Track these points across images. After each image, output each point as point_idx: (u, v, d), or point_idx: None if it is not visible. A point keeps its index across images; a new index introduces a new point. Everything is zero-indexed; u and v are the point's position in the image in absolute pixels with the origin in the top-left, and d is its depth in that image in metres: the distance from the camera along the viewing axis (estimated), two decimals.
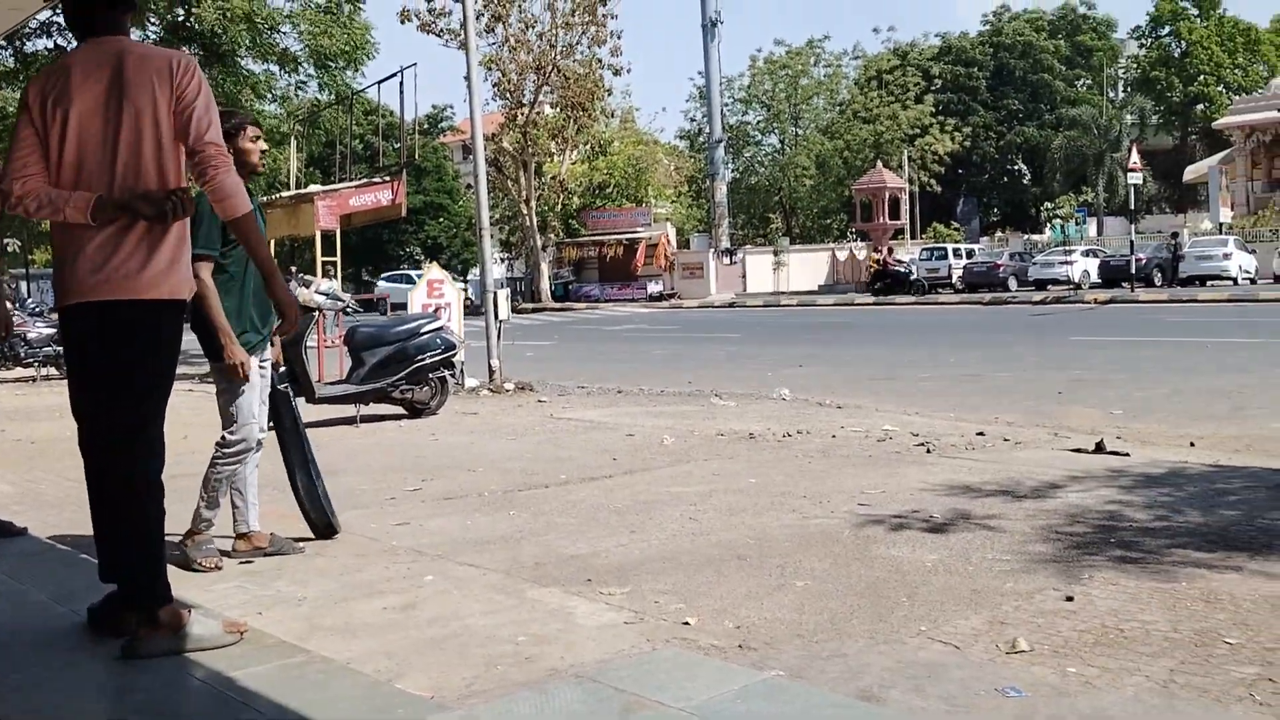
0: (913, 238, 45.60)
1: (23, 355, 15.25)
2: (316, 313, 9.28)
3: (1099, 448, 6.53)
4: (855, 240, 44.33)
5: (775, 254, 42.25)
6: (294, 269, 10.97)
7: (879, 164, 43.36)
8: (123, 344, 3.13)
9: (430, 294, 11.97)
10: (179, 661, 3.11)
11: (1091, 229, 42.33)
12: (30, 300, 26.83)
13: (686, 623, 3.53)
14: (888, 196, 39.49)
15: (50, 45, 17.20)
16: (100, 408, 3.19)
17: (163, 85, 3.15)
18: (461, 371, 11.24)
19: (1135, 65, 57.68)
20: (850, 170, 49.97)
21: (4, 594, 3.89)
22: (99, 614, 3.39)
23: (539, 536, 4.81)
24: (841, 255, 41.25)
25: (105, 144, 3.11)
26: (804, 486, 5.76)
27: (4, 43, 15.99)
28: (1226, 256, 30.71)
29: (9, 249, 37.89)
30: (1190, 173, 48.07)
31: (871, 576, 4.00)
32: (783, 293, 37.95)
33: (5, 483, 6.39)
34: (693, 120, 56.66)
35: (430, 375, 9.39)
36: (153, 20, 16.87)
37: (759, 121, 56.08)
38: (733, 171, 52.19)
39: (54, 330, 15.37)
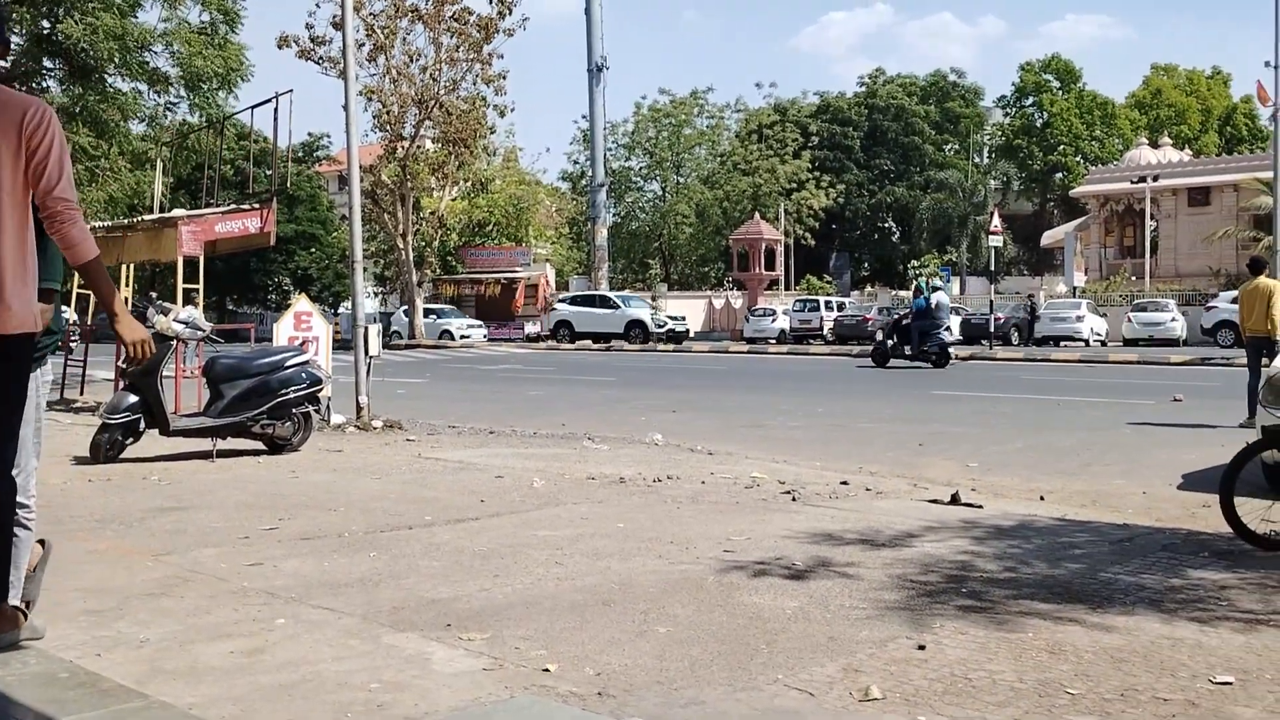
0: (787, 289, 46.74)
1: None
2: (174, 341, 8.95)
3: (954, 499, 6.76)
4: (732, 289, 45.17)
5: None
6: (153, 294, 10.55)
7: (757, 215, 44.41)
8: None
9: (298, 326, 11.67)
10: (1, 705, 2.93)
11: (955, 288, 44.11)
12: None
13: (546, 669, 3.48)
14: (764, 247, 40.42)
15: None
16: None
17: (12, 134, 3.19)
18: (328, 407, 10.95)
19: (1000, 133, 60.87)
20: (729, 220, 51.07)
21: None
22: None
23: (399, 579, 4.69)
24: (718, 303, 41.93)
25: None
26: (671, 532, 5.78)
27: None
28: (1079, 319, 32.37)
29: None
30: (1048, 238, 50.78)
31: (733, 623, 4.02)
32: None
33: None
34: (576, 163, 57.22)
35: (294, 410, 9.11)
36: (17, 31, 16.16)
37: (641, 168, 56.90)
38: (614, 216, 52.72)
39: None
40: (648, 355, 31.07)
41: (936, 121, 60.50)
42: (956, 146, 61.02)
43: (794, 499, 6.92)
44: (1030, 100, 60.58)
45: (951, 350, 23.28)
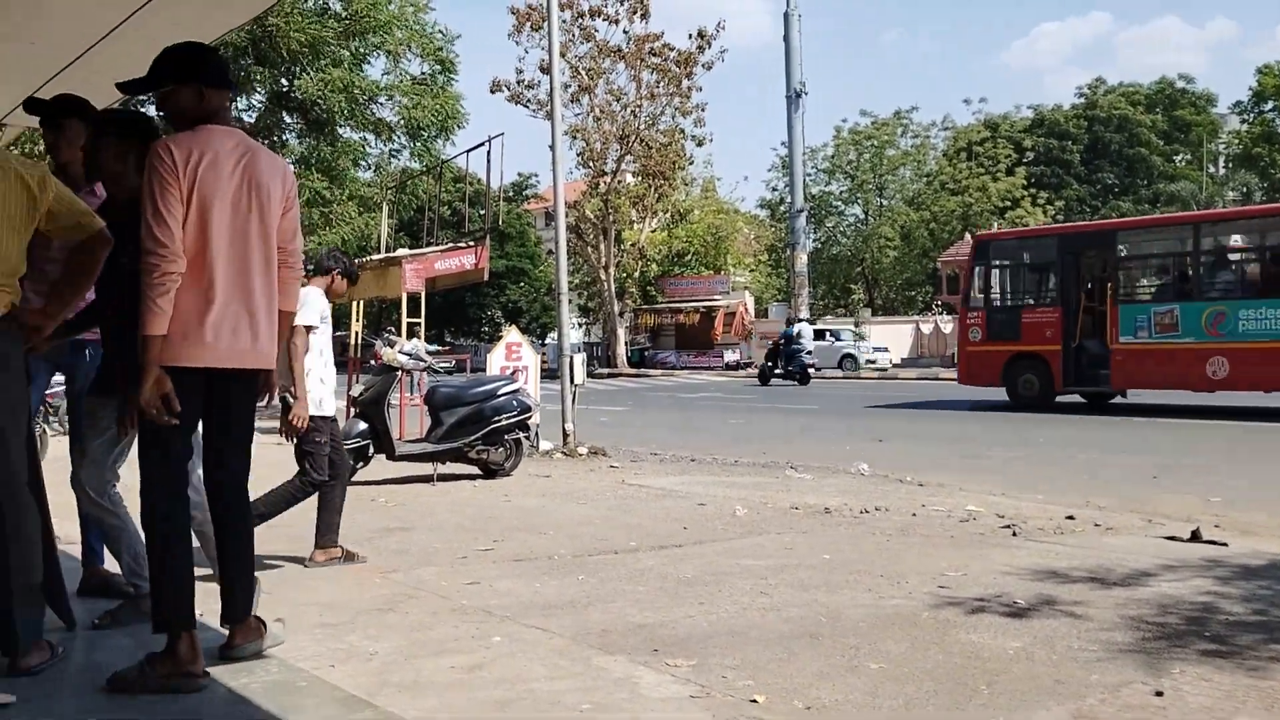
0: None
1: None
2: (399, 371, 9.45)
3: (1195, 536, 6.26)
4: (941, 313, 43.81)
5: (856, 325, 41.96)
6: (389, 330, 11.22)
7: (967, 236, 42.97)
8: None
9: (509, 356, 12.11)
10: (246, 709, 3.15)
11: None
12: None
13: (754, 700, 3.44)
14: None
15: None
16: None
17: (278, 186, 3.55)
18: (536, 434, 11.30)
19: (1237, 141, 56.58)
20: (936, 242, 49.62)
21: (90, 637, 3.96)
22: None
23: (606, 603, 4.76)
24: (926, 328, 40.75)
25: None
26: (881, 565, 5.63)
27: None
28: None
29: None
30: None
31: (950, 662, 3.87)
32: (866, 365, 37.55)
33: None
34: (774, 189, 57.10)
35: (506, 437, 9.46)
36: (258, 90, 17.60)
37: (842, 192, 56.21)
38: (814, 241, 52.27)
39: None
40: (851, 383, 30.53)
41: (1164, 131, 56.92)
42: (1188, 157, 57.20)
43: (1014, 533, 6.59)
44: (1270, 105, 56.16)
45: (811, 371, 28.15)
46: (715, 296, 44.73)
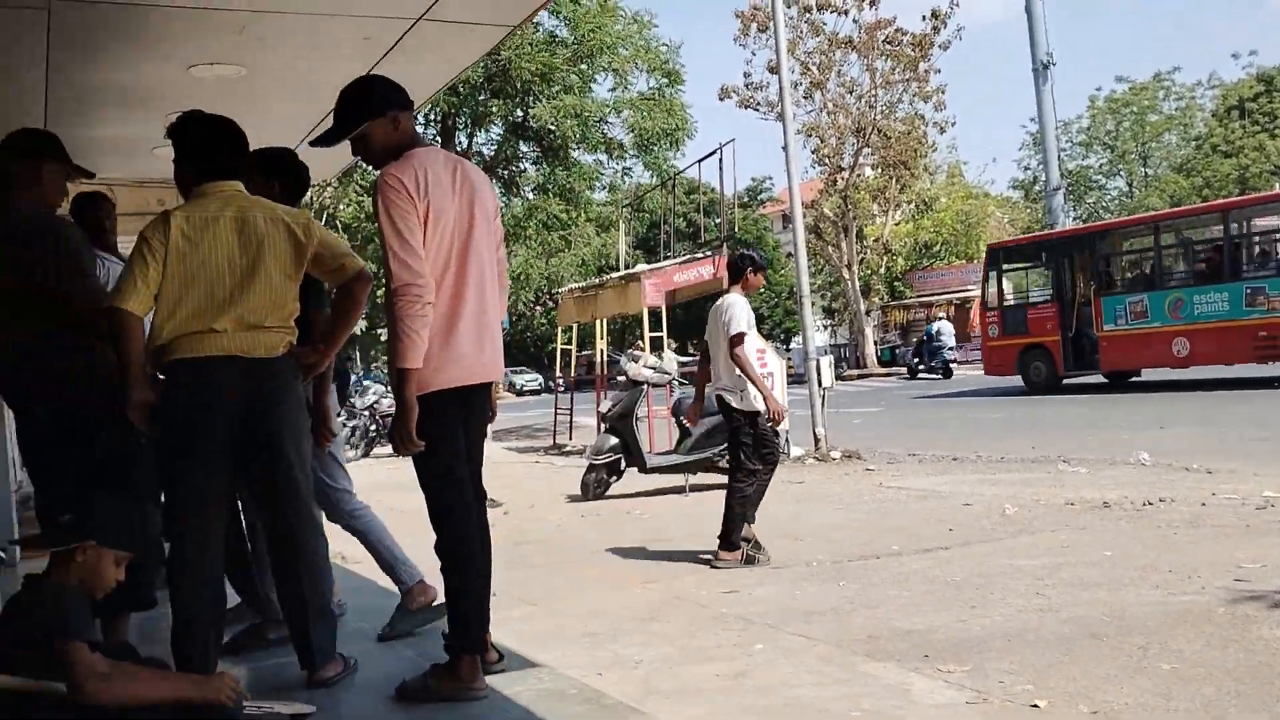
0: None
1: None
2: (645, 385, 9.67)
3: None
4: None
5: None
6: (640, 344, 11.57)
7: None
8: None
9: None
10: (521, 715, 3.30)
11: None
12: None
13: (1035, 705, 3.28)
14: None
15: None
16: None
17: (490, 201, 3.65)
18: (787, 440, 11.23)
19: None
20: None
21: (376, 651, 4.27)
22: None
23: (870, 609, 4.67)
24: None
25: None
26: (1168, 559, 5.23)
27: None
28: None
29: (381, 337, 42.25)
30: None
31: (1253, 660, 3.54)
32: None
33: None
34: (1026, 169, 54.21)
35: None
36: (496, 123, 18.51)
37: (1102, 164, 52.74)
38: (1075, 219, 49.25)
39: None
40: None
41: None
42: None
43: None
44: None
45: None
46: (969, 287, 42.93)
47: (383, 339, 46.69)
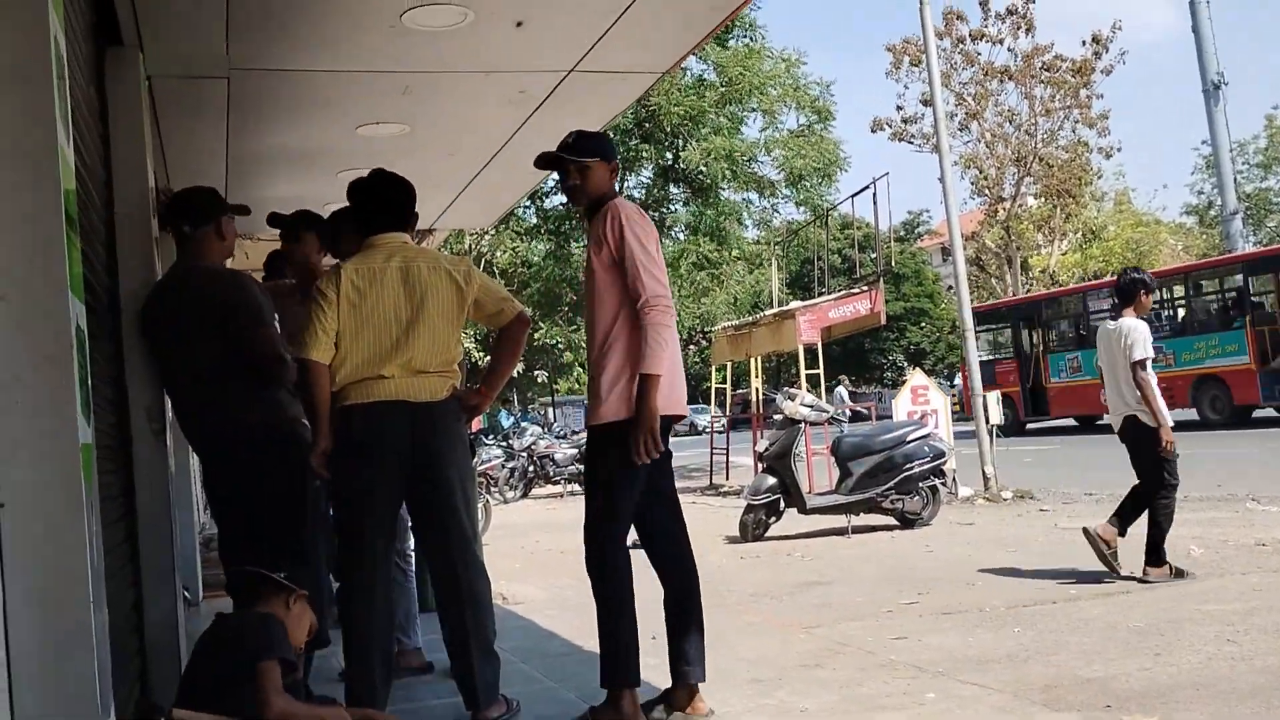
0: None
1: (551, 474, 17.37)
2: (803, 424, 9.55)
3: None
4: None
5: None
6: (798, 386, 11.50)
7: None
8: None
9: (915, 400, 11.84)
10: None
11: None
12: (556, 424, 30.43)
13: None
14: None
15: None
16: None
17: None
18: (954, 480, 10.89)
19: None
20: None
21: (538, 691, 4.32)
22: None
23: (1047, 656, 4.45)
24: None
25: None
26: None
27: (527, 202, 18.56)
28: None
29: (538, 379, 43.15)
30: None
31: None
32: None
33: (538, 589, 7.18)
34: (1200, 193, 51.39)
35: (920, 484, 9.19)
36: (646, 167, 18.77)
37: None
38: (1255, 244, 46.39)
39: (577, 451, 17.28)
40: None
41: None
42: None
43: None
44: None
45: None
46: None
47: (539, 381, 47.75)
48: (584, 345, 23.92)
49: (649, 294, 3.47)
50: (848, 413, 23.24)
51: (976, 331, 22.75)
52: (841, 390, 25.88)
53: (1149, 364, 6.02)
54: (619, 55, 5.03)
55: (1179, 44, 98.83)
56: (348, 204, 3.89)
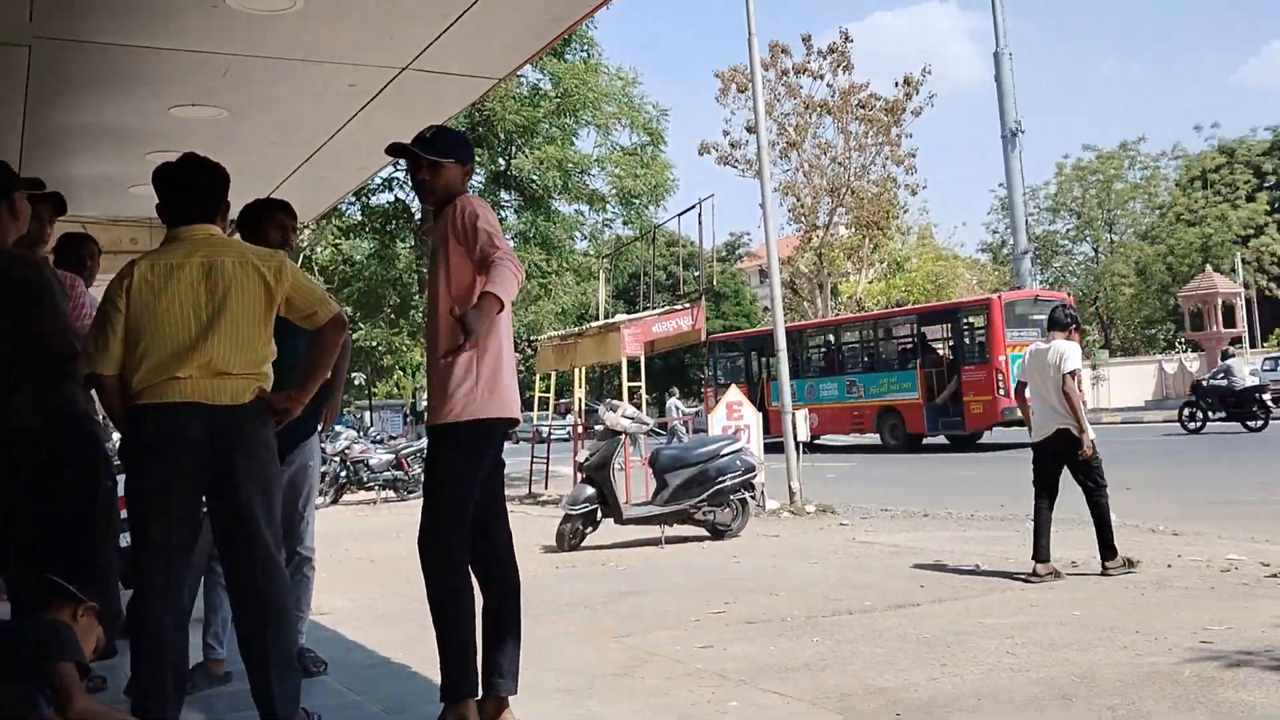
0: (1253, 346, 41.48)
1: (365, 480, 16.78)
2: (623, 436, 9.66)
3: None
4: (1185, 351, 40.82)
5: (1093, 368, 39.66)
6: (624, 395, 11.62)
7: (1208, 268, 40.02)
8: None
9: (730, 416, 12.15)
10: None
11: None
12: (372, 429, 29.64)
13: None
14: (1220, 303, 36.22)
15: (391, 198, 19.32)
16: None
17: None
18: (762, 493, 11.24)
19: None
20: (1175, 276, 46.45)
21: (342, 705, 4.21)
22: None
23: (844, 665, 4.65)
24: (1170, 368, 38.06)
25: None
26: (1136, 620, 5.26)
27: (352, 198, 18.09)
28: None
29: (355, 382, 42.02)
30: None
31: None
32: (1103, 409, 35.36)
33: (345, 599, 6.98)
34: (995, 232, 54.97)
35: (732, 497, 9.46)
36: (478, 172, 18.63)
37: (1069, 230, 53.60)
38: (1041, 283, 49.86)
39: (392, 456, 16.85)
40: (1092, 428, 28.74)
41: None
42: None
43: None
44: None
45: None
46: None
47: (356, 384, 46.39)
48: (405, 348, 23.43)
49: (502, 251, 3.41)
50: (681, 425, 23.78)
51: (718, 358, 27.16)
52: (676, 403, 26.41)
53: (1079, 375, 6.79)
54: (455, 57, 4.99)
55: (982, 92, 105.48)
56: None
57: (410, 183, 3.88)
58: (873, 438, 24.01)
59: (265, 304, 3.46)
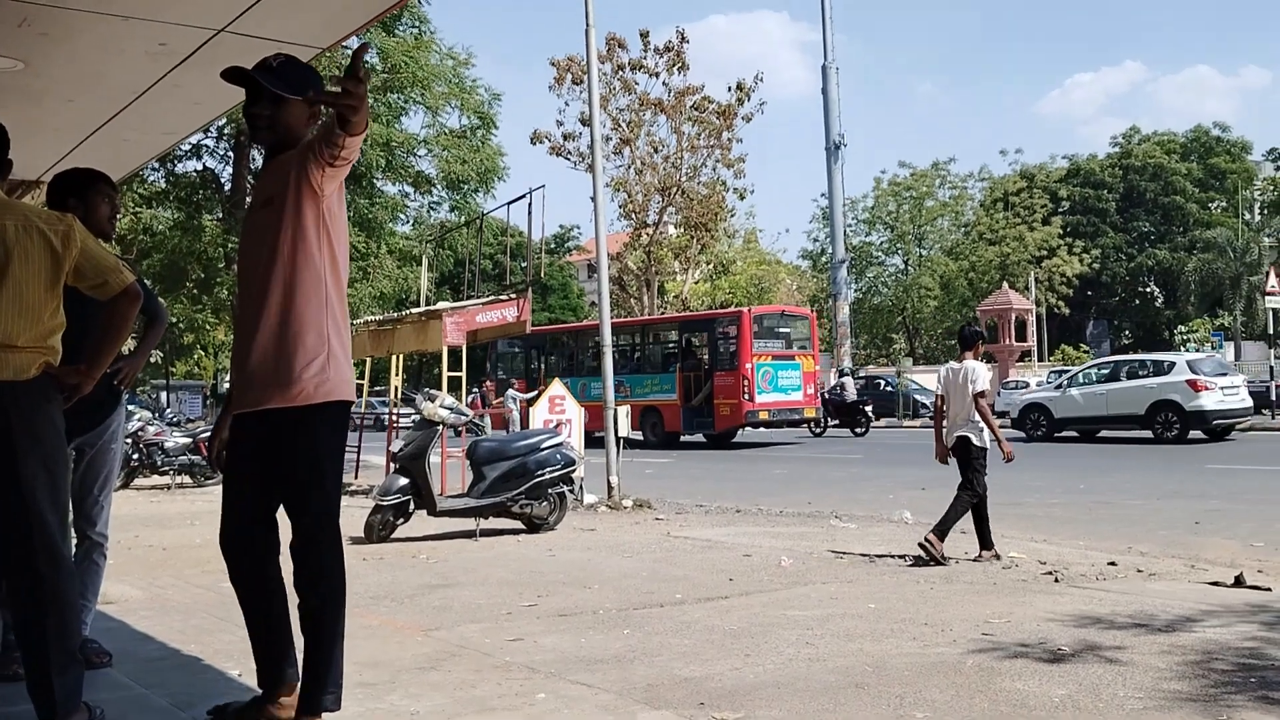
0: (1040, 360, 44.53)
1: (159, 464, 15.80)
2: (440, 426, 9.51)
3: (1238, 581, 6.19)
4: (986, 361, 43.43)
5: (898, 374, 41.70)
6: (444, 385, 11.37)
7: (1005, 285, 42.78)
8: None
9: (552, 409, 12.16)
10: None
11: (1229, 354, 40.61)
12: (169, 410, 28.16)
13: None
14: (1014, 318, 38.78)
15: (199, 167, 18.41)
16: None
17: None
18: (581, 488, 11.29)
19: (1273, 187, 55.88)
20: (975, 292, 49.45)
21: (128, 699, 4.00)
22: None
23: (652, 657, 4.73)
24: None
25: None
26: (925, 613, 5.56)
27: (156, 165, 17.15)
28: None
29: (151, 359, 39.86)
30: None
31: (995, 710, 3.81)
32: (907, 414, 37.25)
33: (135, 588, 6.62)
34: (815, 240, 57.13)
35: (550, 491, 9.45)
36: None
37: (882, 242, 56.23)
38: (856, 292, 52.12)
39: (190, 440, 16.01)
40: (895, 431, 30.26)
41: (1199, 179, 56.36)
42: (1224, 204, 56.52)
43: (1056, 580, 6.52)
44: None
45: None
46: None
47: (153, 362, 43.93)
48: (209, 326, 22.27)
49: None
50: (518, 416, 23.69)
51: (500, 353, 28.30)
52: (513, 393, 26.29)
53: (986, 395, 7.53)
54: (277, 23, 4.79)
55: (811, 103, 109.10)
56: None
57: (246, 118, 3.41)
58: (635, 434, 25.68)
59: (52, 271, 3.24)
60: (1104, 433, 21.64)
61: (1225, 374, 20.69)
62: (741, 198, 38.53)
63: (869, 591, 6.28)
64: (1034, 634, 5.00)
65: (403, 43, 17.20)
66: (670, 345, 26.71)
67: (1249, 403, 20.69)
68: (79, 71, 5.43)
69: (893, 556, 7.59)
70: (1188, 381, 19.61)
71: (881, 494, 12.58)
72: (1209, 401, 19.45)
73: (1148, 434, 20.34)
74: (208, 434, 16.11)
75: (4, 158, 3.37)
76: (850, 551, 7.88)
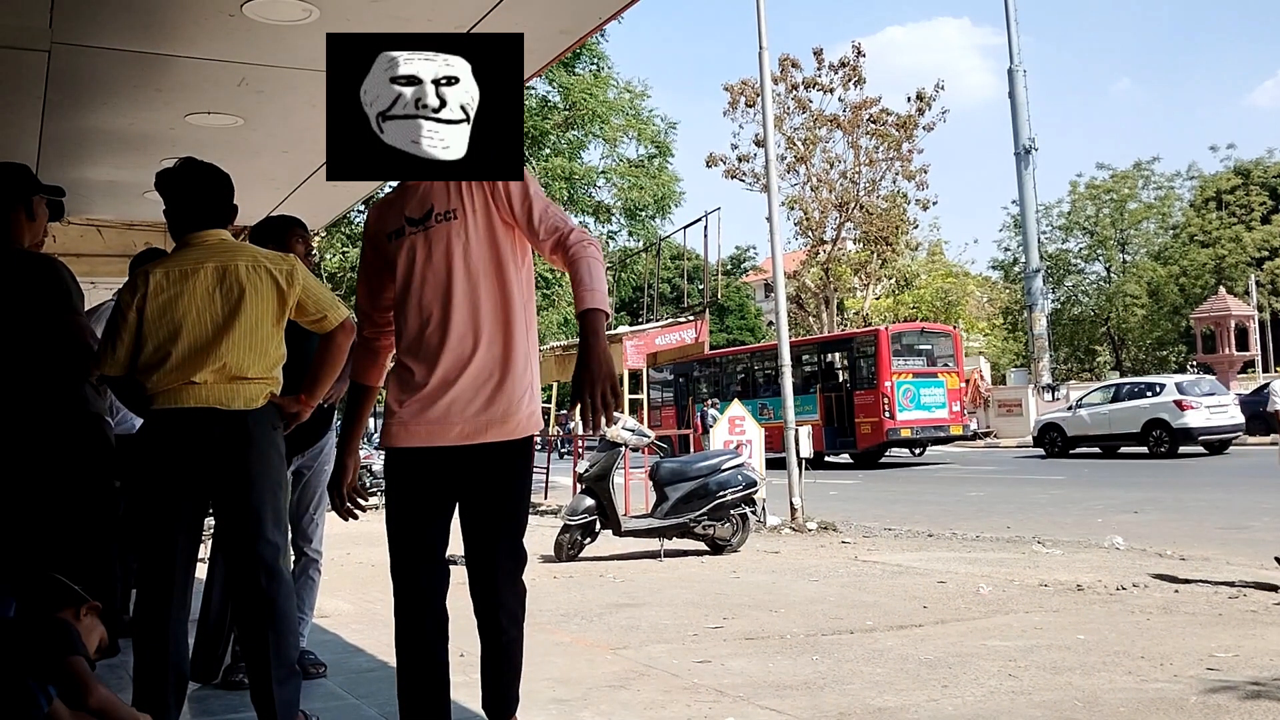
0: (1265, 370, 41.34)
1: (368, 485, 16.69)
2: (623, 447, 9.65)
3: None
4: (1198, 373, 40.73)
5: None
6: (625, 407, 11.57)
7: (1221, 290, 39.92)
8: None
9: (732, 430, 12.14)
10: None
11: None
12: (375, 436, 29.65)
13: None
14: (1234, 325, 36.12)
15: None
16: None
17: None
18: (763, 509, 11.21)
19: None
20: (1188, 298, 46.34)
21: (341, 708, 4.21)
22: None
23: (843, 684, 4.63)
24: None
25: None
26: (1141, 645, 5.22)
27: (361, 206, 18.11)
28: None
29: None
30: None
31: None
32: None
33: (347, 602, 6.99)
34: (1006, 249, 54.88)
35: (732, 512, 9.43)
36: None
37: (1081, 249, 53.51)
38: (1053, 302, 49.80)
39: None
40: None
41: None
42: None
43: None
44: None
45: None
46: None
47: None
48: None
49: (573, 225, 3.03)
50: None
51: (652, 384, 29.34)
52: (714, 412, 26.69)
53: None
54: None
55: (996, 108, 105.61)
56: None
57: None
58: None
59: (278, 307, 3.49)
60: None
61: (1214, 394, 23.20)
62: (924, 209, 37.60)
63: (1077, 621, 5.95)
64: (1268, 669, 4.62)
65: (582, 80, 17.68)
66: (809, 366, 26.74)
67: (1239, 419, 22.91)
68: (291, 125, 5.82)
69: (1102, 585, 7.17)
70: (1175, 401, 22.39)
71: (1088, 517, 11.93)
72: (1194, 419, 22.18)
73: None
74: None
75: (232, 203, 3.64)
76: (1055, 579, 7.50)
